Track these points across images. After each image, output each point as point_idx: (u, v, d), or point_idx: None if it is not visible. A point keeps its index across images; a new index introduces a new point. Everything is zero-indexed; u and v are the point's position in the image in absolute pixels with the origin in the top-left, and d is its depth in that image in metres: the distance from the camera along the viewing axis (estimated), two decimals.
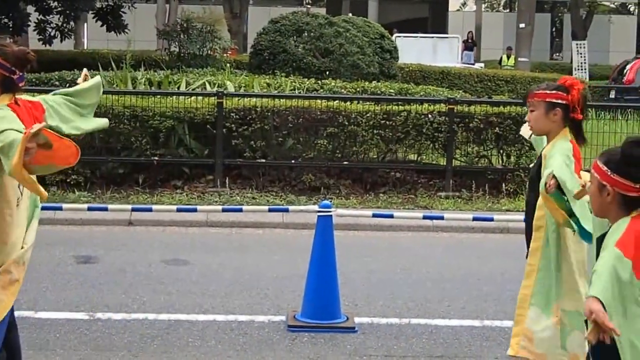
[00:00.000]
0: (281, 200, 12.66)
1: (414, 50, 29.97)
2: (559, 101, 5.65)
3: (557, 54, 50.98)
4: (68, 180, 12.72)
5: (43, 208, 8.53)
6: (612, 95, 27.39)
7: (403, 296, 8.69)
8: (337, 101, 13.57)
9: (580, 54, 35.50)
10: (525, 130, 6.24)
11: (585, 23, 39.22)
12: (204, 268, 9.54)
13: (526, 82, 26.24)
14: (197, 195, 12.73)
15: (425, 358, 7.02)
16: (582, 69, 34.92)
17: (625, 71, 27.77)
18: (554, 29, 53.74)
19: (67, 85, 14.85)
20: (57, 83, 14.95)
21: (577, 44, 36.02)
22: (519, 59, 34.10)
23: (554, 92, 5.66)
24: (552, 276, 5.70)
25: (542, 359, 5.75)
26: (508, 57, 36.46)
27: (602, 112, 18.39)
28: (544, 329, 5.74)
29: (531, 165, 6.16)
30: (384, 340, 7.41)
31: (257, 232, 11.40)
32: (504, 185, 13.44)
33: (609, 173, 3.97)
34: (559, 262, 5.68)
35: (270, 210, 8.68)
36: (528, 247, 5.89)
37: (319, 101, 13.53)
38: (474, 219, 8.57)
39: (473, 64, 34.87)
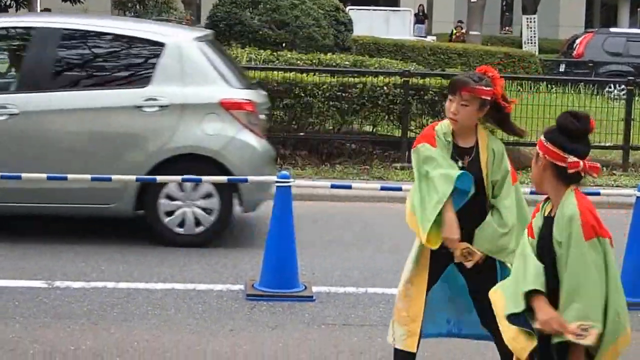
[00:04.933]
0: None
1: (367, 23, 30.03)
2: (489, 98, 5.30)
3: (507, 28, 51.24)
4: None
5: (1, 177, 8.56)
6: (562, 68, 27.66)
7: (360, 266, 8.79)
8: (293, 73, 13.62)
9: (530, 28, 35.77)
10: None
11: None
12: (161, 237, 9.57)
13: (478, 56, 26.47)
14: None
15: (382, 327, 7.08)
16: (531, 43, 35.20)
17: (575, 45, 28.02)
18: (504, 3, 54.02)
19: None
20: None
21: (527, 18, 36.29)
22: (471, 32, 34.26)
23: (489, 89, 5.28)
24: None
25: None
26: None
27: (554, 86, 18.62)
28: None
29: (462, 163, 5.40)
30: (341, 309, 7.51)
31: None
32: None
33: (544, 141, 4.12)
34: None
35: (229, 181, 8.73)
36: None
37: (275, 72, 13.58)
38: None
39: (425, 37, 35.01)
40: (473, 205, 5.36)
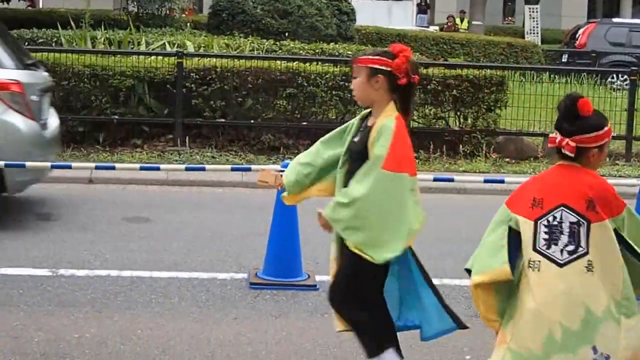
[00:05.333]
0: (240, 160, 12.74)
1: (370, 12, 29.98)
2: (382, 67, 5.18)
3: (510, 18, 51.19)
4: None
5: None
6: (564, 59, 27.66)
7: None
8: (296, 62, 13.64)
9: (533, 18, 35.69)
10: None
11: None
12: (165, 226, 9.60)
13: (481, 46, 26.44)
14: (157, 154, 12.78)
15: None
16: (534, 33, 35.14)
17: (577, 35, 28.00)
18: None
19: (26, 43, 14.77)
20: None
21: (530, 8, 36.19)
22: (473, 22, 34.23)
23: (377, 57, 5.21)
24: None
25: None
26: (461, 21, 36.61)
27: (556, 76, 18.62)
28: None
29: (356, 139, 5.42)
30: None
31: (217, 191, 11.48)
32: (460, 146, 13.60)
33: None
34: None
35: (232, 169, 8.75)
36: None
37: (278, 62, 13.59)
38: (435, 179, 8.67)
39: (427, 27, 34.97)
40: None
